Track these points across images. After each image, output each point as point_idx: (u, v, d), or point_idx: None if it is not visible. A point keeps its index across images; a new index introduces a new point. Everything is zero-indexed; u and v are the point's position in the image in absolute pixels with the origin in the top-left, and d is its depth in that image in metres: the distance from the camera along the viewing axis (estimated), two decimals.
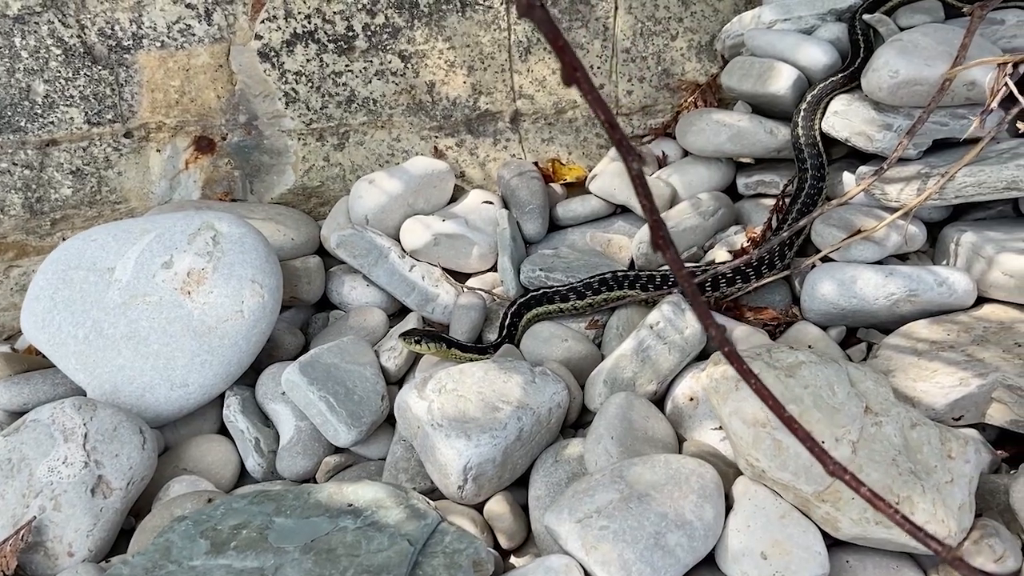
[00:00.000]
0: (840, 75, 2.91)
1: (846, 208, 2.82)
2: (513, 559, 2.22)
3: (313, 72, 3.25)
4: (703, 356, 2.51)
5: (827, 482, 1.95)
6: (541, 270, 2.87)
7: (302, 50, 3.22)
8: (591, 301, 2.72)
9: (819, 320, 2.67)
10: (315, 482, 2.51)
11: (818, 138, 2.91)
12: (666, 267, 2.91)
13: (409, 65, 3.30)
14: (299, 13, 3.18)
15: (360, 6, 3.20)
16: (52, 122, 3.12)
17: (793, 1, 3.17)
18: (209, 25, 3.14)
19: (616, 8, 3.36)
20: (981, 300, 2.64)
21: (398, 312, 3.04)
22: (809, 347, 2.59)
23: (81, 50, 3.07)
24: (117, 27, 3.08)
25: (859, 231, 2.67)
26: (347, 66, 3.27)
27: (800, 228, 2.74)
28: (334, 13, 3.20)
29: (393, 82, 3.31)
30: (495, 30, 3.31)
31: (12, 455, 2.30)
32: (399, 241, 3.09)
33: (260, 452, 2.55)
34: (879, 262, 2.73)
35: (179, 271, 2.64)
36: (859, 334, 2.72)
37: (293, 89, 3.26)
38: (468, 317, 2.78)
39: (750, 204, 3.15)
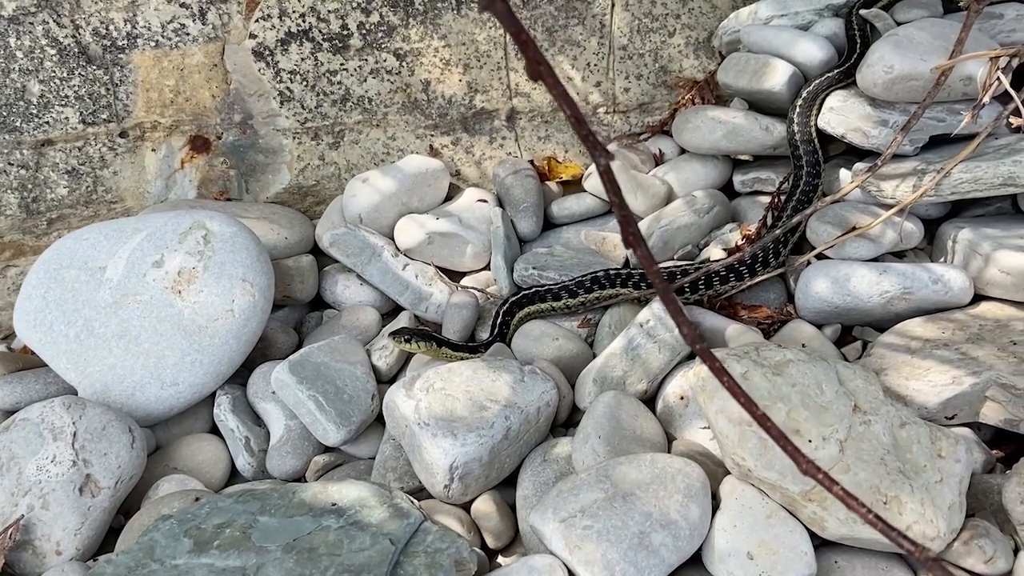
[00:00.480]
0: (836, 71, 2.88)
1: (842, 205, 2.79)
2: (500, 559, 2.21)
3: (308, 71, 3.25)
4: (694, 355, 2.49)
5: (813, 482, 1.92)
6: (534, 268, 2.85)
7: (297, 49, 3.22)
8: (583, 300, 2.70)
9: (814, 318, 2.65)
10: (305, 481, 2.50)
11: (814, 135, 2.88)
12: (661, 265, 2.89)
13: (404, 63, 3.29)
14: (293, 12, 3.18)
15: (355, 4, 3.20)
16: (47, 122, 3.12)
17: None
18: (203, 24, 3.14)
19: (613, 5, 3.34)
20: (979, 298, 2.61)
21: (392, 311, 3.03)
22: (803, 346, 2.57)
23: (76, 50, 3.08)
24: (111, 27, 3.08)
25: (854, 228, 2.64)
26: (342, 65, 3.26)
27: (793, 226, 2.71)
28: (329, 12, 3.20)
29: (388, 81, 3.30)
30: (491, 28, 3.30)
31: (1, 454, 2.31)
32: (393, 240, 3.08)
33: (250, 451, 2.54)
34: (875, 259, 2.70)
35: (170, 270, 2.64)
36: (854, 332, 2.69)
37: (288, 88, 3.26)
38: (460, 316, 2.77)
39: (747, 201, 3.12)
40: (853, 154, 2.98)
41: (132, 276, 2.64)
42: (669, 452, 2.27)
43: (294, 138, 3.33)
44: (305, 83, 3.26)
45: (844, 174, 2.89)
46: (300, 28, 3.20)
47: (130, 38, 3.11)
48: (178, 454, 2.54)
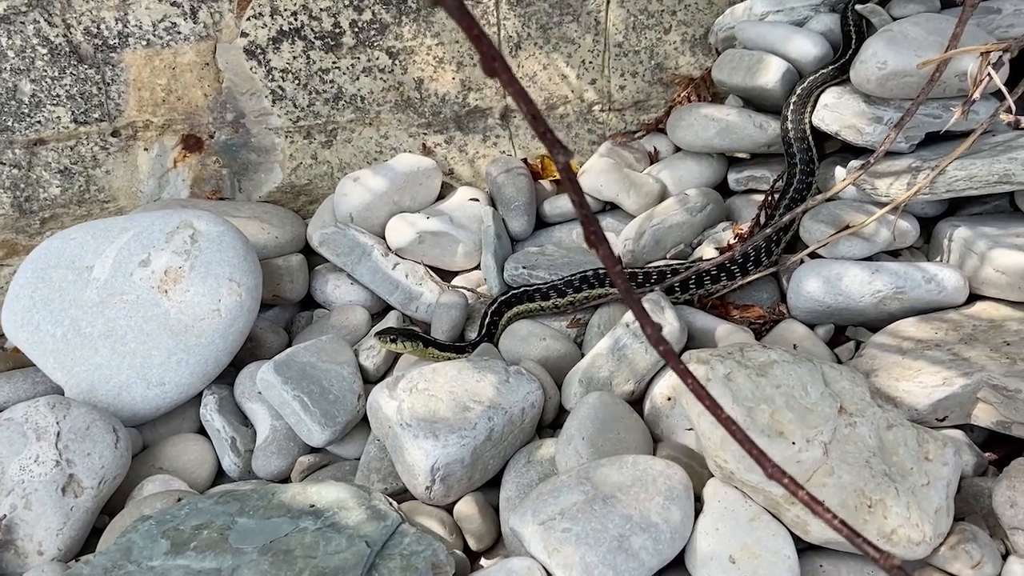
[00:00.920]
0: (831, 67, 2.84)
1: (836, 203, 2.75)
2: (483, 561, 2.19)
3: (300, 69, 3.23)
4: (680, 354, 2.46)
5: None
6: (524, 268, 2.83)
7: (289, 47, 3.20)
8: (572, 299, 2.67)
9: (806, 318, 2.61)
10: (290, 482, 2.49)
11: (808, 132, 2.84)
12: (652, 264, 2.86)
13: (397, 62, 3.27)
14: (285, 10, 3.16)
15: (347, 2, 3.18)
16: (39, 121, 3.12)
17: None
18: (195, 23, 3.13)
19: (608, 1, 3.31)
20: (975, 297, 2.57)
21: (383, 311, 3.01)
22: (794, 346, 2.53)
23: (67, 49, 3.07)
24: (103, 26, 3.08)
25: (847, 227, 2.60)
26: (334, 63, 3.24)
27: (785, 224, 2.68)
28: (321, 10, 3.18)
29: (381, 79, 3.28)
30: (484, 25, 3.27)
31: None
32: (385, 239, 3.06)
33: (236, 451, 2.53)
34: (869, 258, 2.66)
35: (156, 269, 2.63)
36: (848, 332, 2.65)
37: (280, 87, 3.24)
38: (449, 315, 2.75)
39: (741, 200, 3.09)
40: (850, 151, 2.94)
41: (119, 275, 2.63)
42: (655, 453, 2.24)
43: (286, 137, 3.32)
44: (297, 82, 3.25)
45: (839, 171, 2.85)
46: (292, 26, 3.19)
47: (121, 37, 3.10)
48: (164, 454, 2.53)
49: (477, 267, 3.06)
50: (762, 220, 2.83)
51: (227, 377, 2.72)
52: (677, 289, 2.64)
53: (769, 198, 2.87)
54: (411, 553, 1.86)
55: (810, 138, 2.84)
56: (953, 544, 1.88)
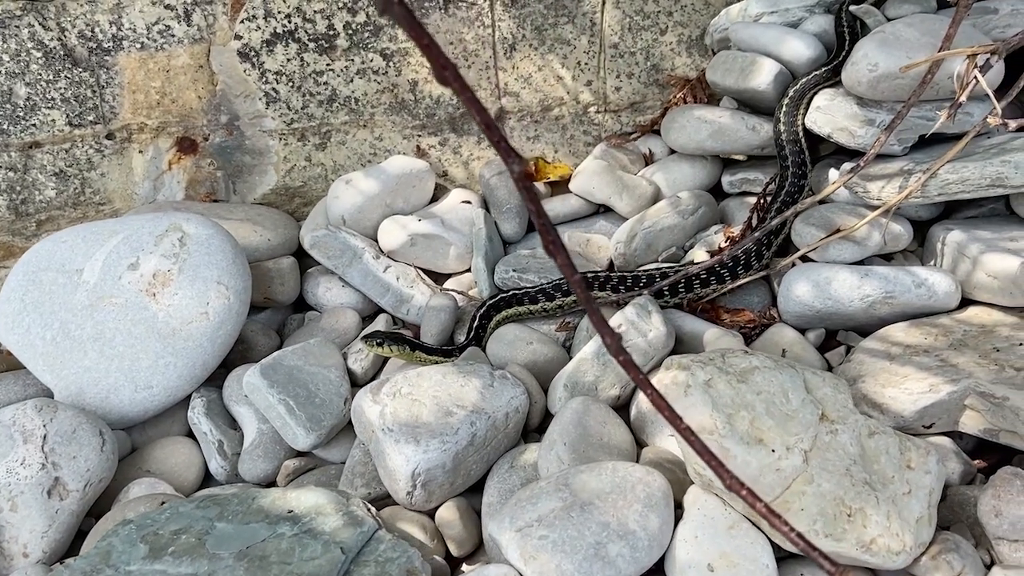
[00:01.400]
0: (824, 69, 2.81)
1: (828, 207, 2.73)
2: (465, 567, 2.18)
3: (294, 71, 3.23)
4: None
5: (776, 492, 1.87)
6: (514, 271, 2.82)
7: (282, 49, 3.21)
8: (561, 303, 2.66)
9: (796, 322, 2.59)
10: (276, 485, 2.49)
11: (800, 134, 2.82)
12: (643, 268, 2.84)
13: (391, 63, 3.27)
14: (279, 12, 3.17)
15: (341, 4, 3.18)
16: (34, 124, 3.14)
17: None
18: (188, 26, 3.14)
19: (603, 2, 3.29)
20: (968, 302, 2.54)
21: (374, 313, 3.00)
22: (783, 351, 2.51)
23: (61, 52, 3.09)
24: (97, 29, 3.09)
25: (838, 230, 2.58)
26: (328, 65, 3.24)
27: (776, 228, 2.65)
28: (315, 12, 3.18)
29: (375, 81, 3.28)
30: (479, 27, 3.27)
31: None
32: (377, 242, 3.06)
33: (223, 455, 2.53)
34: (861, 262, 2.64)
35: (145, 273, 2.63)
36: (839, 337, 2.62)
37: (274, 89, 3.25)
38: (438, 319, 2.74)
39: (735, 202, 3.06)
40: (845, 154, 2.91)
41: (108, 279, 2.64)
42: (639, 459, 2.23)
43: (280, 139, 3.32)
44: (291, 84, 3.25)
45: (833, 174, 2.82)
46: (286, 29, 3.19)
47: (115, 40, 3.12)
48: (152, 457, 2.54)
49: (469, 270, 3.05)
50: (754, 223, 2.81)
51: (217, 380, 2.72)
52: (666, 293, 2.63)
53: (761, 201, 2.85)
54: (386, 560, 1.85)
55: (803, 140, 2.81)
56: (935, 554, 1.86)
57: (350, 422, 2.52)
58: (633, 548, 1.87)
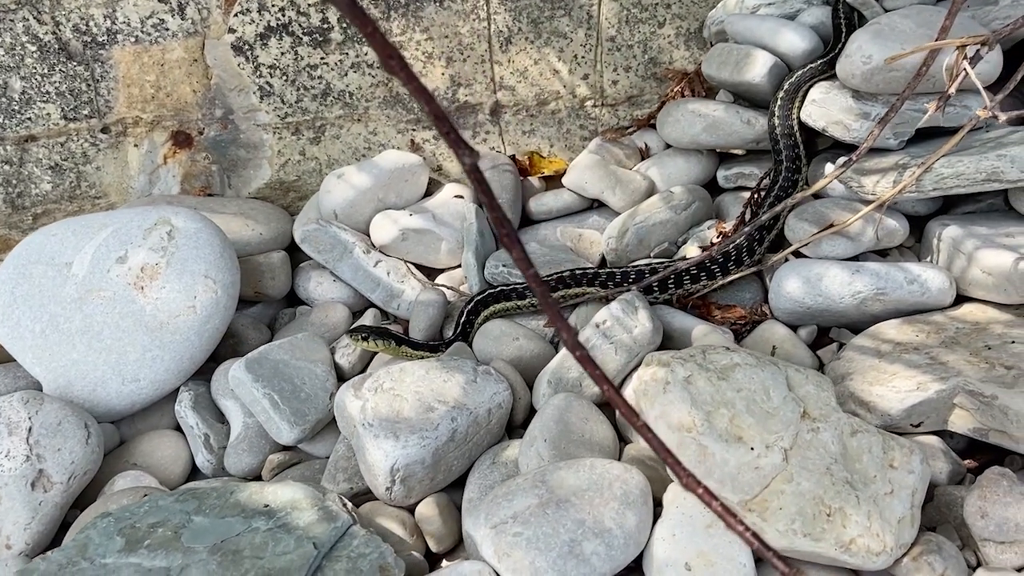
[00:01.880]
0: (820, 61, 2.77)
1: (823, 202, 2.69)
2: (444, 563, 2.16)
3: (288, 65, 3.22)
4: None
5: (754, 491, 1.84)
6: (504, 266, 2.80)
7: (276, 43, 3.20)
8: None
9: (787, 319, 2.55)
10: (261, 479, 2.48)
11: (795, 128, 2.77)
12: (634, 264, 2.81)
13: None
14: (273, 6, 3.16)
15: None
16: (29, 118, 3.15)
17: None
18: (183, 19, 3.14)
19: None
20: (963, 299, 2.49)
21: (366, 308, 2.99)
22: (773, 347, 2.47)
23: (56, 46, 3.10)
24: (91, 23, 3.09)
25: (830, 225, 2.54)
26: (322, 59, 3.23)
27: (767, 223, 2.61)
28: (308, 5, 3.17)
29: (369, 75, 3.27)
30: (474, 20, 3.24)
31: None
32: (369, 236, 3.04)
33: (210, 448, 2.53)
34: (856, 258, 2.60)
35: (133, 266, 2.63)
36: (831, 334, 2.58)
37: (268, 83, 3.24)
38: (426, 314, 2.73)
39: (730, 197, 3.02)
40: (842, 148, 2.86)
41: (97, 272, 2.64)
42: (621, 456, 2.20)
43: (274, 133, 3.31)
44: (285, 78, 3.24)
45: (829, 168, 2.78)
46: (280, 22, 3.18)
47: (110, 34, 3.12)
48: (139, 450, 2.54)
49: (460, 265, 3.03)
50: (747, 218, 2.77)
51: (206, 373, 2.72)
52: (656, 289, 2.60)
53: (755, 196, 2.81)
54: (358, 556, 1.84)
55: (797, 134, 2.77)
56: (916, 555, 1.83)
57: (335, 417, 2.51)
58: (609, 546, 1.85)
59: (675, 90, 3.31)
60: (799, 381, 2.00)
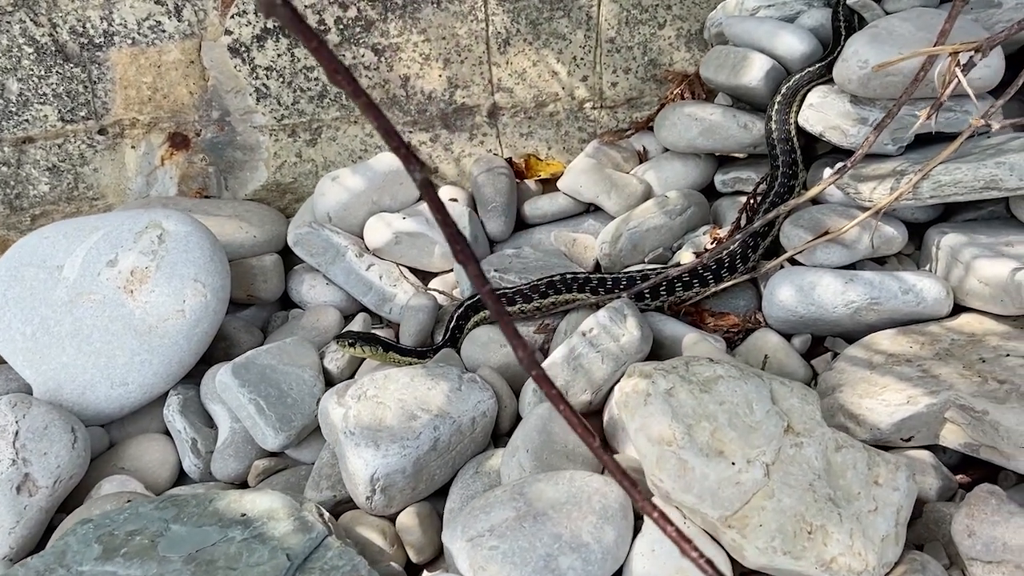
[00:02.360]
0: (818, 65, 2.72)
1: (820, 208, 2.64)
2: (425, 574, 2.14)
3: (284, 67, 3.21)
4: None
5: (734, 507, 1.81)
6: (496, 271, 2.77)
7: (273, 45, 3.19)
8: (539, 304, 2.61)
9: (781, 327, 2.51)
10: (247, 485, 2.47)
11: (792, 133, 2.73)
12: (627, 270, 2.78)
13: (383, 59, 3.23)
14: None
15: None
16: (27, 120, 3.16)
17: None
18: (179, 21, 3.13)
19: None
20: (962, 309, 2.44)
21: (358, 312, 2.97)
22: (765, 357, 2.43)
23: (53, 48, 3.10)
24: (88, 25, 3.10)
25: (825, 233, 2.49)
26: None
27: (760, 229, 2.57)
28: (305, 7, 3.15)
29: (366, 76, 3.25)
30: (472, 21, 3.22)
31: None
32: (363, 239, 3.03)
33: (197, 453, 2.52)
34: (852, 266, 2.55)
35: (123, 269, 2.63)
36: (826, 343, 2.54)
37: (264, 84, 3.23)
38: (416, 319, 2.71)
39: (728, 202, 2.98)
40: (842, 153, 2.80)
41: (87, 275, 2.64)
42: (604, 468, 2.17)
43: (271, 135, 3.30)
44: (282, 79, 3.23)
45: (827, 174, 2.73)
46: (276, 24, 3.16)
47: (107, 36, 3.12)
48: (127, 454, 2.54)
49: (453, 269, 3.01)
50: (742, 224, 2.73)
51: (197, 377, 2.71)
52: (647, 296, 2.56)
53: (751, 201, 2.76)
54: (331, 568, 1.82)
55: (795, 139, 2.72)
56: (899, 575, 1.78)
57: None
58: (586, 561, 1.82)
59: (675, 92, 3.27)
60: (784, 394, 1.96)
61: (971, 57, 2.10)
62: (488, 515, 1.90)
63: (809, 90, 2.71)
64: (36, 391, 2.60)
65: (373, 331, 2.74)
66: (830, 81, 2.69)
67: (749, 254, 2.59)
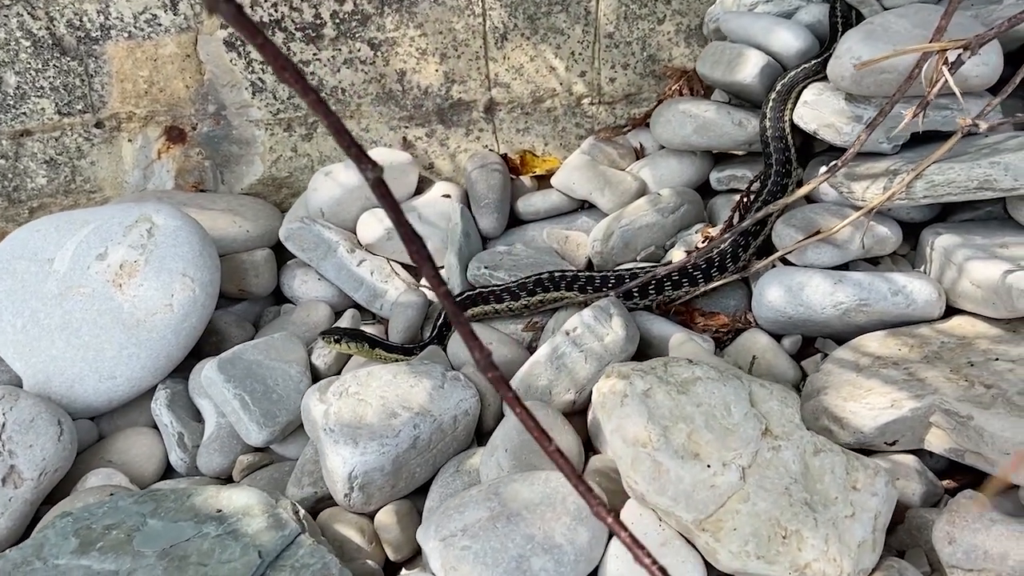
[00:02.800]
0: (814, 61, 2.69)
1: (813, 207, 2.61)
2: (403, 572, 2.13)
3: None
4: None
5: (709, 510, 1.79)
6: (486, 268, 2.75)
7: (269, 38, 3.17)
8: (526, 302, 2.59)
9: (771, 328, 2.48)
10: (232, 480, 2.48)
11: (787, 130, 2.69)
12: (618, 268, 2.76)
13: (379, 53, 3.22)
14: (266, 1, 3.14)
15: None
16: (24, 113, 3.17)
17: None
18: (175, 15, 3.13)
19: None
20: (954, 311, 2.40)
21: (351, 307, 2.97)
22: (753, 357, 2.41)
23: (50, 42, 3.11)
24: (85, 18, 3.10)
25: (817, 232, 2.45)
26: (315, 55, 3.21)
27: (749, 229, 2.54)
28: (301, 1, 3.15)
29: (362, 71, 3.24)
30: (469, 16, 3.20)
31: None
32: (356, 235, 3.02)
33: (183, 447, 2.52)
34: (845, 266, 2.51)
35: (112, 263, 2.64)
36: (817, 344, 2.51)
37: (260, 78, 3.23)
38: (405, 315, 2.70)
39: (723, 200, 2.94)
40: (838, 151, 2.76)
41: (77, 268, 2.65)
42: (585, 468, 2.15)
43: (266, 129, 3.30)
44: None
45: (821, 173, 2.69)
46: (272, 17, 3.16)
47: (103, 29, 3.13)
48: (114, 447, 2.55)
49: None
50: (734, 223, 2.70)
51: (187, 371, 2.71)
52: (636, 294, 2.54)
53: (744, 200, 2.73)
54: (302, 566, 1.82)
55: (789, 137, 2.68)
56: None
57: None
58: (558, 563, 1.81)
59: (673, 88, 3.24)
60: (763, 396, 1.94)
61: (959, 55, 2.05)
62: (462, 515, 1.89)
63: (805, 87, 2.67)
64: (26, 383, 2.61)
65: (362, 327, 2.73)
66: (826, 78, 2.65)
67: (740, 253, 2.56)
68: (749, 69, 2.72)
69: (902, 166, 2.45)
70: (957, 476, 2.11)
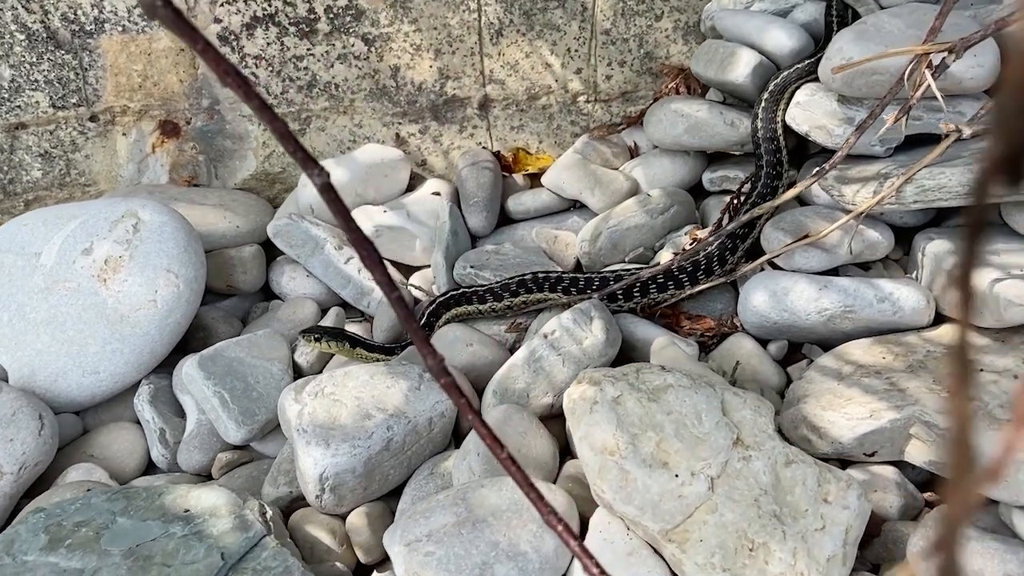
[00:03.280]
0: (807, 61, 2.64)
1: (804, 210, 2.56)
2: (375, 575, 2.12)
3: (273, 56, 3.20)
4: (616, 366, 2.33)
5: (676, 520, 1.76)
6: (472, 267, 2.73)
7: (262, 33, 3.17)
8: (510, 303, 2.56)
9: (756, 333, 2.44)
10: (212, 478, 2.47)
11: (779, 131, 2.64)
12: (605, 269, 2.73)
13: (373, 48, 3.20)
14: None
15: None
16: (19, 106, 3.18)
17: None
18: None
19: None
20: (944, 319, 2.34)
21: (339, 304, 2.95)
22: (737, 363, 2.37)
23: (44, 35, 3.12)
24: (79, 12, 3.10)
25: (804, 236, 2.41)
26: (308, 50, 3.20)
27: (737, 231, 2.50)
28: None
29: (356, 66, 3.22)
30: (464, 11, 3.17)
31: None
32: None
33: (165, 443, 2.52)
34: (834, 271, 2.47)
35: (97, 258, 2.64)
36: (803, 350, 2.47)
37: (253, 73, 3.21)
38: (389, 314, 2.68)
39: (715, 201, 2.90)
40: (831, 153, 2.71)
41: (63, 263, 2.66)
42: (559, 473, 2.13)
43: (259, 124, 3.29)
44: (271, 68, 3.21)
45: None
46: (266, 12, 3.15)
47: (97, 23, 3.13)
48: (96, 442, 2.55)
49: None
50: (723, 224, 2.65)
51: (172, 366, 2.71)
52: (619, 297, 2.50)
53: (734, 201, 2.69)
54: (264, 568, 1.81)
55: (781, 138, 2.64)
56: None
57: None
58: (522, 570, 1.79)
59: (669, 86, 3.19)
60: (736, 405, 1.90)
61: (943, 59, 2.00)
62: (428, 520, 1.87)
63: (797, 87, 2.62)
64: (11, 377, 2.62)
65: (346, 326, 2.71)
66: (819, 79, 2.60)
67: (727, 256, 2.52)
68: (741, 68, 2.68)
69: (893, 170, 2.40)
70: (939, 489, 2.07)
